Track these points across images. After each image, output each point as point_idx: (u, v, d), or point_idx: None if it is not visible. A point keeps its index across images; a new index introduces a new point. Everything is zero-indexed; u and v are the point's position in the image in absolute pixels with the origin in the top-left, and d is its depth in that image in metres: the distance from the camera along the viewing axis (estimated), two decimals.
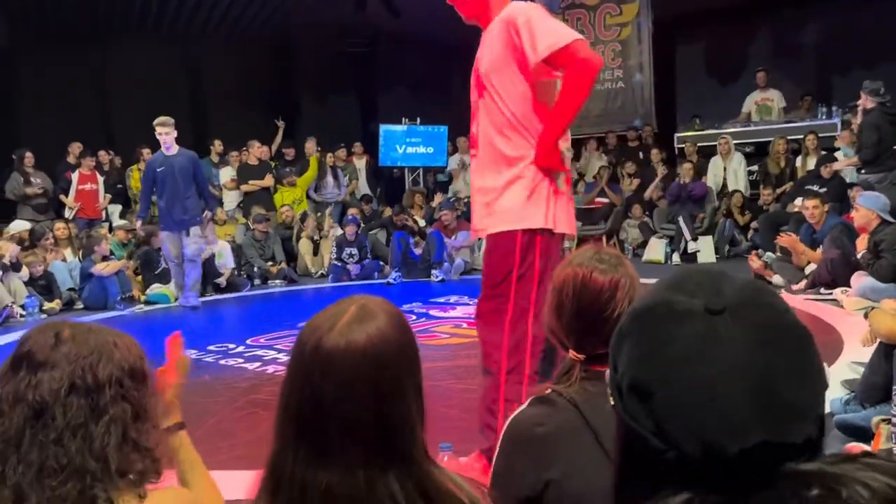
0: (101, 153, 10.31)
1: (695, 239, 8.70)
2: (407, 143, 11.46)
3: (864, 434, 2.66)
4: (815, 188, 7.87)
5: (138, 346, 1.29)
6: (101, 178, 9.76)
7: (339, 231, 9.31)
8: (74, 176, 9.50)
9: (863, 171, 7.12)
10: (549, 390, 1.47)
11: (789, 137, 9.27)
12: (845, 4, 11.79)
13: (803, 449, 0.66)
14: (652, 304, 0.73)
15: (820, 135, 9.02)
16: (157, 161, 7.08)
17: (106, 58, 12.50)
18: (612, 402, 0.75)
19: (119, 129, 12.46)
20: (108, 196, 9.83)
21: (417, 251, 8.74)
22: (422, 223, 9.61)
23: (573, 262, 1.51)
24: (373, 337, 1.02)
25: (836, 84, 11.92)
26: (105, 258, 7.59)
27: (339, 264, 8.76)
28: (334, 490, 0.99)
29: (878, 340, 3.06)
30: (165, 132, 6.89)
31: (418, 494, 1.02)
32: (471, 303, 6.80)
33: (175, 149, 7.05)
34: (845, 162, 7.59)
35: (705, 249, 8.69)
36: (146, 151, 9.89)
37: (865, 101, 7.33)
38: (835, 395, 3.32)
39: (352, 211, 9.89)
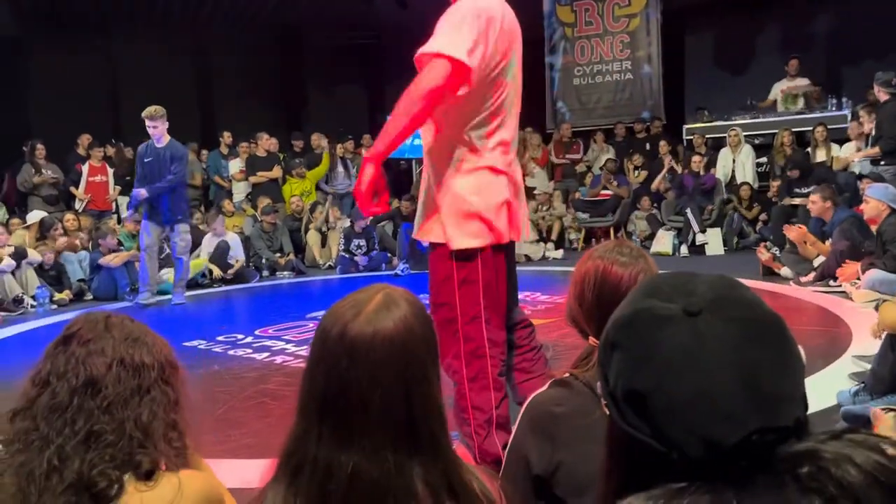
0: (107, 146, 10.35)
1: (703, 231, 8.68)
2: (415, 134, 11.43)
3: (869, 424, 2.65)
4: (804, 188, 7.85)
5: (168, 344, 1.39)
6: (110, 170, 9.80)
7: (347, 222, 9.33)
8: (84, 168, 9.56)
9: (882, 163, 7.04)
10: (567, 374, 1.53)
11: (799, 129, 9.21)
12: None
13: (793, 430, 0.70)
14: (633, 312, 0.76)
15: (830, 126, 8.96)
16: (146, 151, 6.85)
17: (115, 49, 12.54)
18: (608, 412, 0.77)
19: (128, 121, 12.51)
20: (118, 187, 9.88)
21: (425, 243, 8.75)
22: None
23: (594, 254, 1.58)
24: (398, 325, 1.05)
25: (846, 75, 11.82)
26: (114, 250, 7.63)
27: (347, 256, 8.78)
28: (362, 472, 1.01)
29: (886, 333, 3.05)
30: (153, 125, 6.69)
31: (444, 482, 1.05)
32: None
33: (165, 140, 6.81)
34: (864, 153, 7.51)
35: (713, 241, 8.67)
36: None
37: (880, 94, 7.26)
38: (843, 387, 3.32)
39: None
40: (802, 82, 10.18)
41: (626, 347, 0.75)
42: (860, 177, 7.19)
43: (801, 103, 10.07)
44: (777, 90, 10.22)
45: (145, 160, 6.80)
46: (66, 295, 7.27)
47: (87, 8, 11.66)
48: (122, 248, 7.85)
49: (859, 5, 11.71)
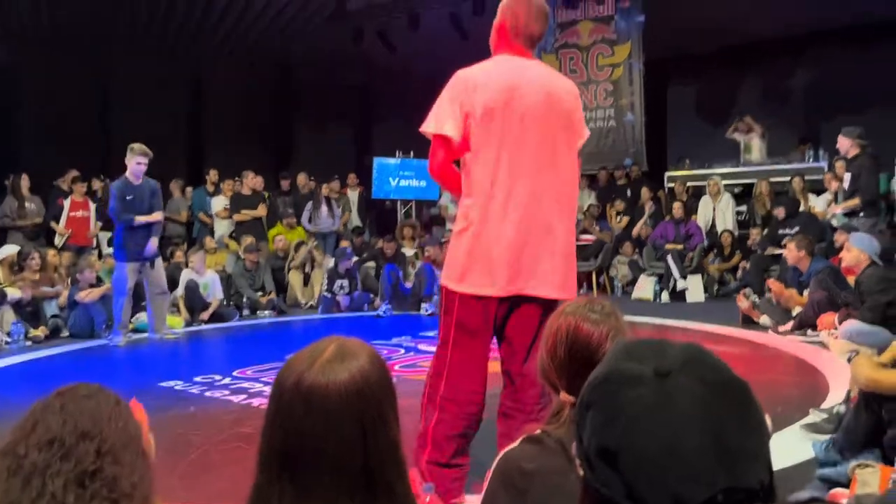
0: (94, 180, 10.32)
1: (684, 277, 8.75)
2: (400, 175, 11.53)
3: (845, 485, 2.67)
4: (788, 230, 7.97)
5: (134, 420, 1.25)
6: (93, 206, 9.75)
7: (331, 262, 9.31)
8: (66, 202, 9.49)
9: (861, 214, 7.21)
10: (539, 431, 1.53)
11: (777, 179, 9.39)
12: (832, 53, 12.05)
13: (759, 494, 0.72)
14: (607, 373, 0.79)
15: (807, 177, 9.14)
16: (127, 188, 6.76)
17: (106, 82, 12.60)
18: (582, 473, 0.79)
19: (117, 154, 12.51)
20: (100, 223, 9.83)
21: (408, 284, 8.76)
22: (410, 253, 9.64)
23: (566, 311, 1.61)
24: (354, 373, 1.06)
25: (824, 128, 12.10)
26: (92, 286, 7.54)
27: (329, 296, 8.75)
28: None
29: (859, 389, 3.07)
30: (141, 161, 6.69)
31: None
32: None
33: (141, 178, 6.82)
34: (844, 205, 7.65)
35: (694, 288, 8.74)
36: None
37: (850, 147, 7.47)
38: (818, 438, 3.33)
39: (346, 243, 9.91)
40: (757, 132, 10.47)
41: (599, 406, 0.77)
42: (835, 228, 7.33)
43: (754, 152, 10.33)
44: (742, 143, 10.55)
45: (128, 197, 6.73)
46: (41, 331, 7.16)
47: (79, 42, 11.72)
48: (100, 283, 7.78)
49: (836, 62, 12.07)
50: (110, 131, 12.83)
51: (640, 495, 0.72)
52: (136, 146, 6.76)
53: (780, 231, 8.19)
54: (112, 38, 12.35)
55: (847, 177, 7.55)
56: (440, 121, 2.56)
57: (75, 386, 1.23)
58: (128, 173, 6.79)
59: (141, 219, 6.74)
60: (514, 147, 2.52)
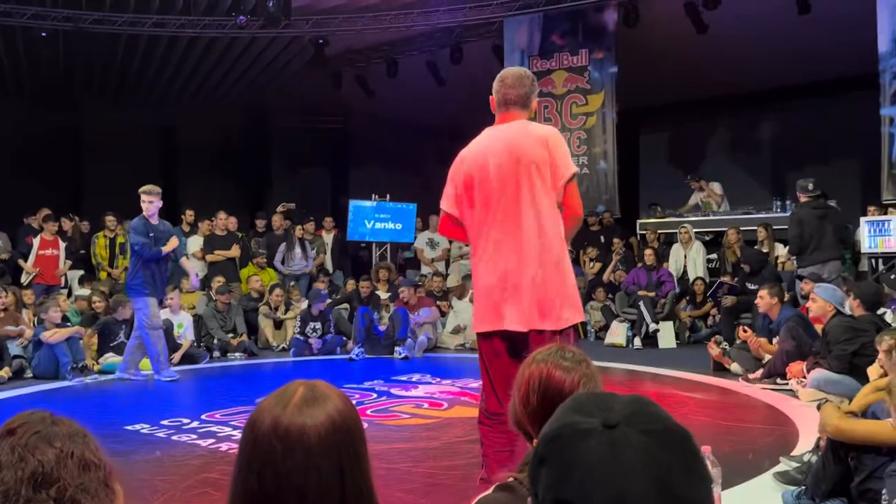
0: (64, 220, 10.20)
1: (656, 323, 8.82)
2: (376, 218, 11.56)
3: None
4: (753, 285, 8.13)
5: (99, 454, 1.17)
6: (62, 245, 9.61)
7: (304, 304, 9.24)
8: (36, 241, 9.35)
9: (797, 267, 7.49)
10: (511, 478, 1.52)
11: (745, 228, 9.58)
12: (799, 105, 12.46)
13: None
14: (558, 428, 0.82)
15: (774, 227, 9.34)
16: (148, 226, 6.92)
17: (81, 122, 12.58)
18: None
19: (88, 195, 12.42)
20: (69, 262, 9.68)
21: (381, 327, 8.70)
22: (385, 297, 9.61)
23: (537, 358, 1.63)
24: (332, 413, 1.07)
25: (791, 179, 12.42)
26: (58, 326, 7.38)
27: (302, 338, 8.66)
28: None
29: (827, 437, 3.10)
30: (150, 200, 6.91)
31: None
32: (433, 381, 6.76)
33: (157, 219, 7.04)
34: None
35: (666, 334, 8.79)
36: (110, 219, 9.83)
37: (801, 198, 7.77)
38: (788, 487, 3.35)
39: (320, 286, 9.85)
40: (714, 187, 10.73)
41: (552, 460, 0.80)
42: (800, 277, 7.47)
43: (715, 206, 10.58)
44: (696, 199, 10.78)
45: (150, 234, 6.91)
46: (5, 372, 6.96)
47: (54, 80, 11.74)
48: (67, 324, 7.62)
49: (801, 112, 12.48)
50: (83, 173, 12.77)
51: None
52: (143, 188, 7.00)
53: (746, 284, 8.32)
54: (88, 84, 12.39)
55: None
56: (443, 199, 3.19)
57: (28, 418, 1.13)
58: (144, 213, 6.98)
59: (167, 249, 7.00)
60: (485, 204, 3.02)
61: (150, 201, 6.91)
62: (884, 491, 2.64)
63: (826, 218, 7.67)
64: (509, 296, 2.95)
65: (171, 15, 10.73)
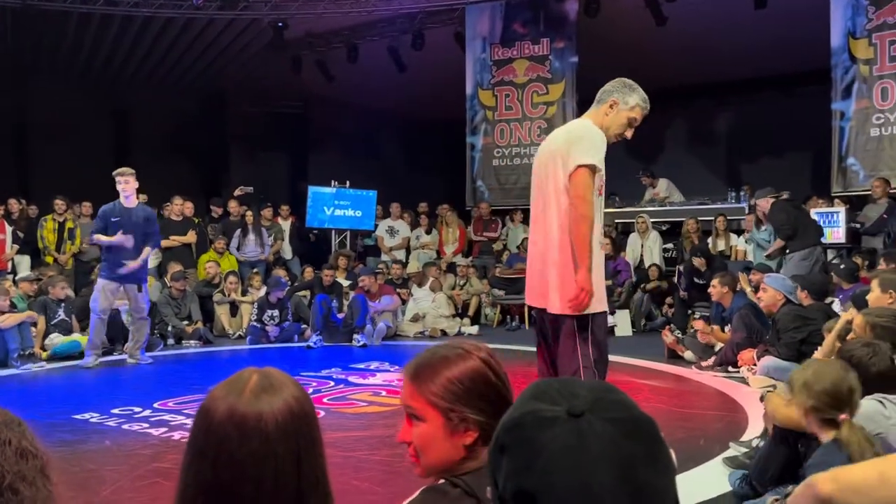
0: (12, 201, 9.87)
1: (612, 313, 8.91)
2: (335, 205, 11.46)
3: None
4: (702, 280, 8.28)
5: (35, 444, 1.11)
6: (9, 228, 9.30)
7: (262, 291, 9.12)
8: None
9: (787, 251, 7.57)
10: (441, 480, 1.40)
11: (700, 219, 9.73)
12: (753, 97, 12.70)
13: None
14: (520, 416, 0.80)
15: (729, 217, 9.52)
16: (114, 211, 6.89)
17: (28, 104, 12.17)
18: None
19: (36, 178, 12.04)
20: (16, 247, 9.38)
21: (340, 315, 8.63)
22: (345, 284, 9.54)
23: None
24: (289, 400, 1.06)
25: (746, 170, 12.70)
26: (5, 312, 7.16)
27: (259, 326, 8.55)
28: None
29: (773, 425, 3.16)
30: (125, 181, 6.81)
31: None
32: (392, 369, 6.74)
33: (134, 201, 6.96)
34: (772, 249, 7.99)
35: (622, 323, 8.91)
36: (59, 202, 9.53)
37: (764, 206, 7.89)
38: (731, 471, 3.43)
39: (279, 272, 9.72)
40: (661, 184, 10.90)
41: (515, 449, 0.78)
42: (748, 268, 7.60)
43: (676, 197, 10.75)
44: (649, 196, 10.92)
45: (112, 219, 6.79)
46: None
47: (1, 54, 11.32)
48: (14, 309, 7.39)
49: (756, 105, 12.72)
50: (28, 157, 12.36)
51: None
52: (116, 170, 6.89)
53: (695, 280, 8.46)
54: (36, 64, 11.99)
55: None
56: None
57: None
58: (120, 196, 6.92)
59: (101, 238, 6.84)
60: (535, 189, 3.31)
61: (125, 182, 6.83)
62: None
63: (800, 210, 7.88)
64: (534, 278, 3.27)
65: None
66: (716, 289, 6.87)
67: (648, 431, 0.78)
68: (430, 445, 1.33)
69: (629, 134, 3.35)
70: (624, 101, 3.26)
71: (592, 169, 3.03)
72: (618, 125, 3.29)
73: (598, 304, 3.09)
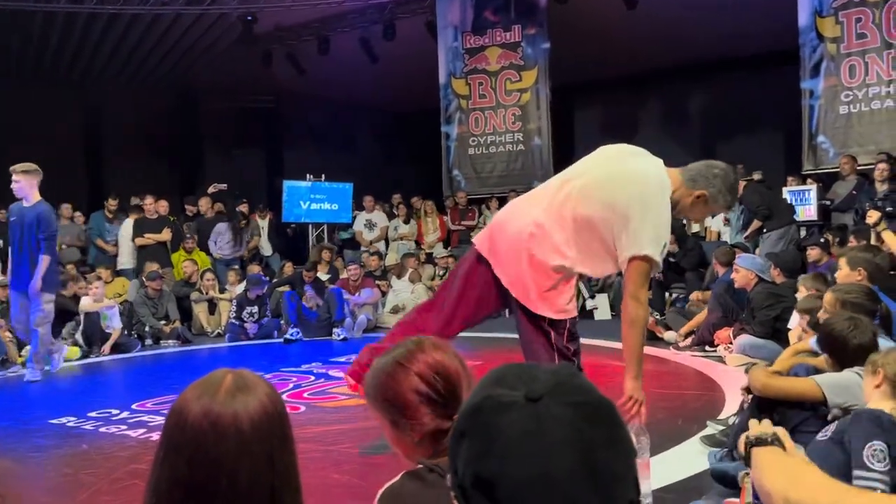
0: None
1: (592, 297, 8.97)
2: (311, 199, 11.40)
3: (736, 483, 2.74)
4: (676, 259, 8.37)
5: None
6: None
7: (240, 289, 9.06)
8: None
9: (765, 231, 7.64)
10: (420, 465, 1.45)
11: None
12: (727, 76, 12.79)
13: None
14: (479, 402, 0.79)
15: None
16: (12, 211, 6.28)
17: None
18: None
19: (4, 182, 11.83)
20: None
21: (309, 305, 8.50)
22: (325, 278, 9.51)
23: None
24: (263, 400, 1.08)
25: (719, 151, 12.78)
26: None
27: (237, 323, 8.50)
28: None
29: (752, 395, 3.21)
30: (15, 178, 6.07)
31: None
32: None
33: (33, 200, 6.16)
34: (753, 226, 8.07)
35: (602, 306, 8.96)
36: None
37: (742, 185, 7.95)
38: (711, 450, 3.46)
39: (257, 269, 9.66)
40: None
41: (473, 435, 0.77)
42: (731, 247, 7.70)
43: None
44: None
45: (10, 219, 6.23)
46: None
47: None
48: None
49: (729, 86, 12.81)
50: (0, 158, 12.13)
51: None
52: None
53: (670, 260, 8.53)
54: (2, 64, 11.76)
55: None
56: None
57: None
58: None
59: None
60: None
61: (15, 180, 6.10)
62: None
63: (771, 190, 7.98)
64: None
65: None
66: (717, 266, 6.95)
67: (608, 415, 0.78)
68: (393, 443, 1.49)
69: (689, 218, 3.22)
70: (713, 199, 2.84)
71: (651, 263, 2.65)
72: (689, 211, 2.95)
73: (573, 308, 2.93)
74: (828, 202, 8.49)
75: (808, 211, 8.57)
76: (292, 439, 1.12)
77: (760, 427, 1.35)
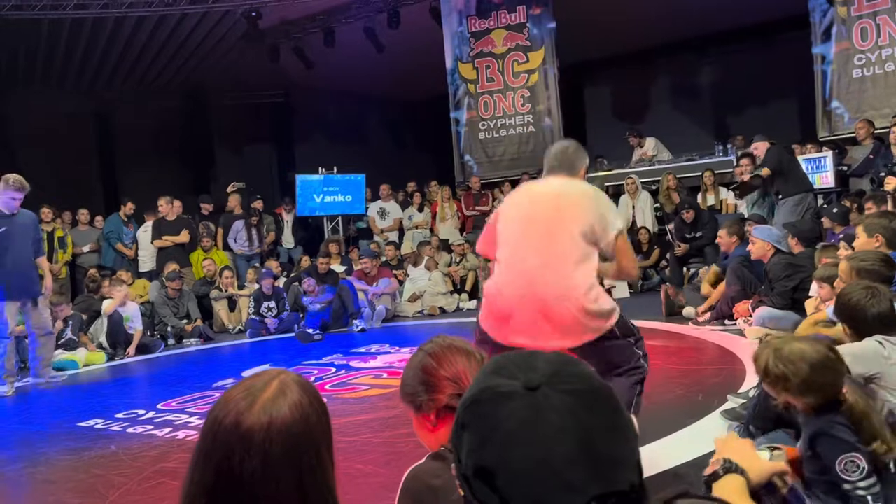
0: None
1: None
2: (324, 191, 11.44)
3: None
4: (693, 232, 8.25)
5: None
6: None
7: (257, 285, 9.13)
8: None
9: (780, 196, 7.45)
10: (441, 447, 1.58)
11: (688, 175, 9.70)
12: (738, 48, 12.61)
13: (630, 496, 0.74)
14: (478, 392, 0.80)
15: (717, 171, 9.50)
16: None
17: (9, 116, 12.07)
18: (462, 493, 0.79)
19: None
20: None
21: (310, 297, 8.53)
22: (341, 270, 9.55)
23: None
24: (294, 412, 1.04)
25: (732, 123, 12.64)
26: None
27: (257, 319, 8.58)
28: None
29: None
30: (21, 198, 6.20)
31: None
32: (392, 351, 6.77)
33: (17, 209, 6.27)
34: (762, 171, 7.80)
35: (620, 285, 8.91)
36: (46, 211, 9.47)
37: (761, 149, 7.71)
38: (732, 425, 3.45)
39: (270, 264, 9.74)
40: (649, 143, 10.80)
41: (473, 426, 0.78)
42: (744, 219, 7.60)
43: (664, 155, 10.68)
44: (637, 156, 10.82)
45: (0, 229, 6.18)
46: None
47: None
48: None
49: (739, 56, 12.63)
50: (13, 165, 12.27)
51: None
52: (12, 177, 6.20)
53: (687, 234, 8.45)
54: (12, 73, 11.88)
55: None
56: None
57: None
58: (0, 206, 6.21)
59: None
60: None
61: (14, 198, 6.17)
62: None
63: (793, 157, 7.81)
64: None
65: None
66: (723, 239, 6.85)
67: (607, 402, 0.78)
68: (417, 431, 1.69)
69: None
70: (586, 166, 3.25)
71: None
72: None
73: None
74: (845, 168, 8.38)
75: (824, 178, 8.46)
76: (325, 462, 1.07)
77: (722, 453, 1.40)
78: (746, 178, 7.71)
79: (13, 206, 6.23)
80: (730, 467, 1.32)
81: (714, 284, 6.85)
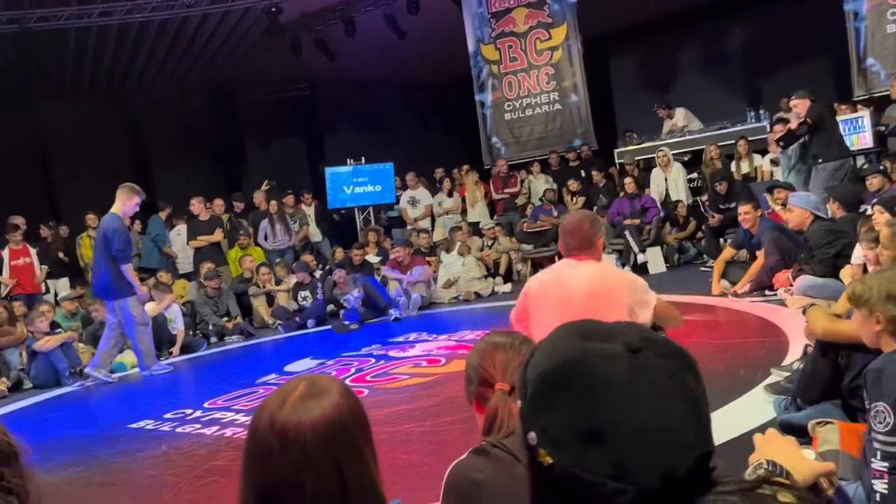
0: (42, 227, 10.09)
1: (643, 251, 8.84)
2: (354, 183, 11.49)
3: (806, 433, 2.69)
4: (727, 204, 8.07)
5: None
6: (33, 251, 9.46)
7: (292, 280, 9.25)
8: (4, 252, 9.17)
9: (820, 161, 7.15)
10: (483, 442, 1.61)
11: (722, 143, 9.51)
12: (766, 10, 12.26)
13: (712, 456, 0.76)
14: (574, 355, 0.77)
15: (750, 138, 9.29)
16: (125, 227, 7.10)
17: (43, 126, 12.32)
18: (549, 460, 0.75)
19: (63, 198, 12.27)
20: (45, 268, 9.59)
21: (340, 288, 8.64)
22: (376, 260, 9.60)
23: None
24: (326, 409, 1.08)
25: (764, 87, 12.33)
26: (48, 333, 7.36)
27: (288, 316, 8.74)
28: None
29: (815, 339, 3.12)
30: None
31: None
32: (430, 338, 6.80)
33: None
34: (792, 124, 7.48)
35: (654, 260, 8.83)
36: (92, 218, 9.69)
37: (802, 107, 7.32)
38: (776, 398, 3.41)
39: (306, 258, 9.83)
40: (679, 114, 10.56)
41: (575, 387, 0.75)
42: (770, 188, 7.30)
43: (695, 125, 10.45)
44: (667, 127, 10.60)
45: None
46: (3, 385, 6.98)
47: (7, 84, 11.45)
48: (57, 330, 7.61)
49: (768, 17, 12.29)
50: (52, 177, 12.56)
51: (632, 472, 0.72)
52: (135, 186, 6.92)
53: (721, 206, 8.29)
54: (43, 84, 12.11)
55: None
56: None
57: None
58: (121, 213, 6.87)
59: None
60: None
61: (138, 203, 7.05)
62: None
63: (835, 118, 7.51)
64: None
65: (116, 2, 10.45)
66: (749, 214, 6.69)
67: (695, 365, 0.79)
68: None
69: None
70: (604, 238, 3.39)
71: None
72: None
73: None
74: (882, 127, 8.14)
75: (862, 139, 8.23)
76: (364, 453, 1.10)
77: (764, 453, 1.37)
78: (794, 125, 7.35)
79: (133, 212, 7.11)
80: (773, 470, 1.27)
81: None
